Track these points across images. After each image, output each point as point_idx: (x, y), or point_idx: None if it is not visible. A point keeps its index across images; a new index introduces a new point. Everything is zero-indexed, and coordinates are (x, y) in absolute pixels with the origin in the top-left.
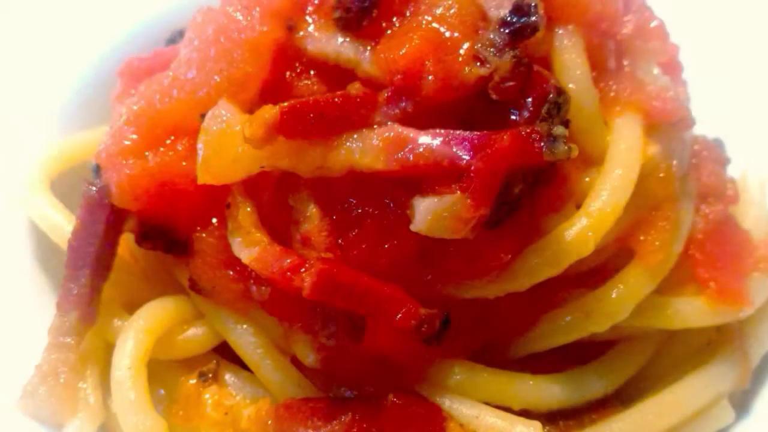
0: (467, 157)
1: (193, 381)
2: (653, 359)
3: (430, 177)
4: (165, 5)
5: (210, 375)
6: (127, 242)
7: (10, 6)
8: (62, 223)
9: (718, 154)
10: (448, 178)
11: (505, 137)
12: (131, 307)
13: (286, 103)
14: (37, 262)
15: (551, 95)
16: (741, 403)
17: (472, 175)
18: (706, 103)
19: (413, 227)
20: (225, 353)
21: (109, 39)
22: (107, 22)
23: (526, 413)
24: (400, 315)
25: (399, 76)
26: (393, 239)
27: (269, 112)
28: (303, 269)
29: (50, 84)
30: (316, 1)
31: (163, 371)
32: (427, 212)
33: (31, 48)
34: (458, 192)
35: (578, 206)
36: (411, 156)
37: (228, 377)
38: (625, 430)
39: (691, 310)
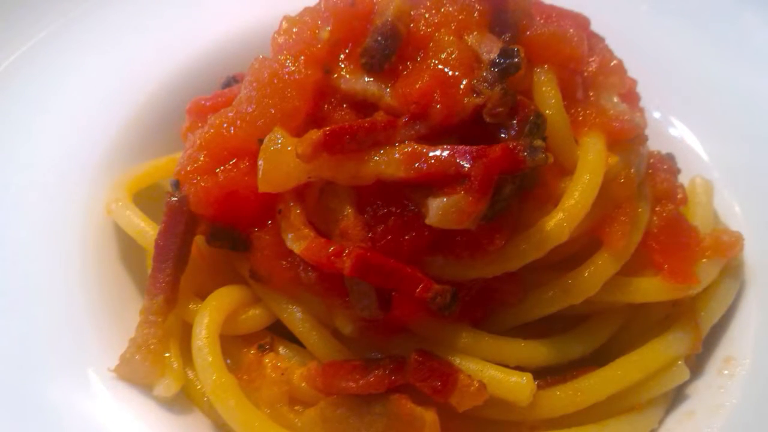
0: (468, 165)
1: (253, 352)
2: (622, 329)
3: (440, 181)
4: (207, 55)
5: (267, 347)
6: (195, 243)
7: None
8: (146, 230)
9: (671, 165)
10: (454, 182)
11: (496, 149)
12: (200, 295)
13: (328, 128)
14: (122, 264)
15: (532, 118)
16: (695, 364)
17: (472, 179)
18: (666, 125)
19: (428, 221)
20: (276, 331)
21: (155, 88)
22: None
23: (519, 370)
24: (419, 289)
25: (414, 106)
26: (412, 231)
27: (315, 134)
28: (344, 254)
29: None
30: (347, 51)
31: (228, 345)
32: (438, 209)
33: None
34: (462, 192)
35: (556, 206)
36: (425, 166)
37: (281, 349)
38: (599, 383)
39: (649, 287)
